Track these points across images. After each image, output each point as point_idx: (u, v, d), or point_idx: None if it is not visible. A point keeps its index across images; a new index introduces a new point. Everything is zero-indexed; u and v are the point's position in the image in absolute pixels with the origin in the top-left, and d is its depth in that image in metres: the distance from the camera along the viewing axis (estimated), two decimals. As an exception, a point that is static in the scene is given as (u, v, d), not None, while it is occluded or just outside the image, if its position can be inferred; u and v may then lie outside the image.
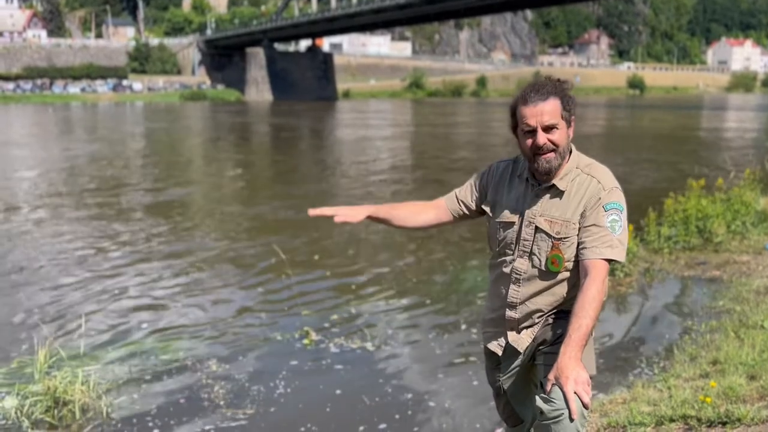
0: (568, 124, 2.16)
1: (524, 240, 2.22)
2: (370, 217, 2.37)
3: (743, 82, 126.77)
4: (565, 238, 2.15)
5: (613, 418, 3.35)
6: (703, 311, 5.75)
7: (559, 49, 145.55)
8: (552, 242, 2.16)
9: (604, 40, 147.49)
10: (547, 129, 2.12)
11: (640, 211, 7.95)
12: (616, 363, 4.97)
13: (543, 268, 2.19)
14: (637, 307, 6.31)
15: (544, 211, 2.18)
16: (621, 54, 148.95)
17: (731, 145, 26.62)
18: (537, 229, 2.19)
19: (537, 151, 2.12)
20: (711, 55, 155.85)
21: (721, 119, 47.44)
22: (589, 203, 2.13)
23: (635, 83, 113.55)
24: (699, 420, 3.09)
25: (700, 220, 7.91)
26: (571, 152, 2.21)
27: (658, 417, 3.20)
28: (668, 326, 5.66)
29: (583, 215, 2.13)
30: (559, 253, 2.15)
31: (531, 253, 2.21)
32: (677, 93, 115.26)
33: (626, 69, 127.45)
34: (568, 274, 2.18)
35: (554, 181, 2.18)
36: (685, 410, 3.19)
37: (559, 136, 2.13)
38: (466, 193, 2.39)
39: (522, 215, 2.22)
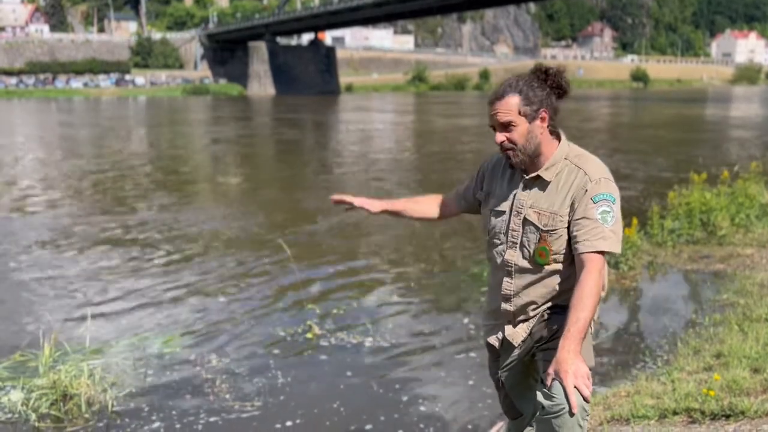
0: (533, 118, 2.13)
1: (513, 230, 2.22)
2: (385, 211, 2.53)
3: (748, 74, 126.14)
4: (552, 230, 2.14)
5: (616, 411, 3.35)
6: (706, 304, 5.75)
7: (563, 42, 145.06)
8: (539, 234, 2.16)
9: (608, 33, 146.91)
10: (503, 127, 2.14)
11: (644, 204, 7.93)
12: (619, 356, 4.97)
13: (531, 260, 2.20)
14: (640, 300, 6.31)
15: (533, 202, 2.18)
16: (624, 46, 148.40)
17: (736, 138, 26.53)
18: (525, 221, 2.19)
19: (499, 147, 2.19)
20: (715, 47, 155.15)
21: (726, 112, 47.25)
22: (577, 196, 2.11)
23: (639, 76, 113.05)
24: (702, 413, 3.09)
25: (703, 213, 7.90)
26: (560, 142, 2.20)
27: (661, 410, 3.21)
28: (672, 320, 5.66)
29: (572, 208, 2.12)
30: (546, 245, 2.15)
31: (521, 245, 2.21)
32: (681, 86, 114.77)
33: (630, 62, 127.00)
34: (558, 266, 2.18)
35: (539, 172, 2.17)
36: (689, 403, 3.18)
37: (518, 134, 2.13)
38: (468, 188, 2.46)
39: (512, 205, 2.23)
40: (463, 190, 2.47)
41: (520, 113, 2.12)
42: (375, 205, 2.49)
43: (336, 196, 2.48)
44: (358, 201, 2.46)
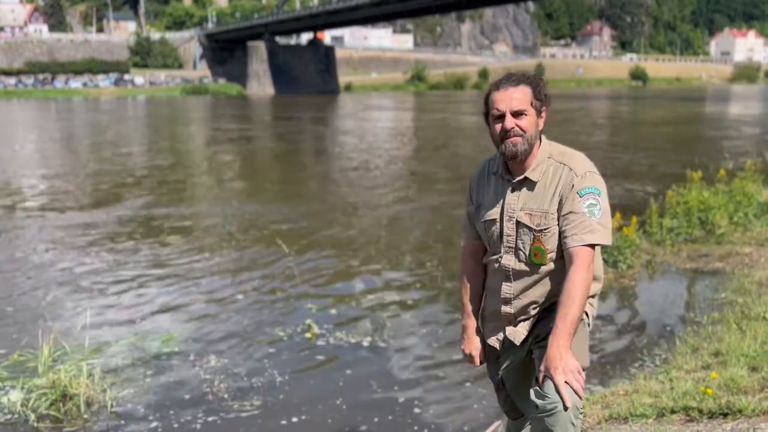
0: (538, 113, 2.18)
1: (507, 235, 2.23)
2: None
3: (746, 72, 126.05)
4: (545, 229, 2.16)
5: (614, 409, 3.35)
6: (705, 303, 5.76)
7: (562, 41, 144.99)
8: (533, 235, 2.18)
9: (607, 32, 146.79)
10: (516, 114, 2.14)
11: (642, 203, 7.94)
12: (617, 355, 4.98)
13: (528, 261, 2.21)
14: (639, 299, 6.32)
15: (524, 204, 2.20)
16: (623, 45, 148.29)
17: (735, 137, 26.52)
18: (519, 224, 2.20)
19: (504, 135, 2.15)
20: (714, 46, 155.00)
21: (725, 110, 47.24)
22: (565, 191, 2.14)
23: (638, 75, 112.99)
24: (700, 411, 3.10)
25: (702, 212, 7.91)
26: (541, 142, 2.23)
27: (659, 408, 3.21)
28: (670, 318, 5.67)
29: (560, 204, 2.14)
30: (541, 245, 2.17)
31: (517, 249, 2.22)
32: (680, 84, 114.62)
33: (629, 60, 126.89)
34: (555, 265, 2.19)
35: (526, 174, 2.20)
36: (687, 402, 3.19)
37: (527, 122, 2.15)
38: (470, 213, 2.41)
39: (502, 211, 2.24)
40: (468, 219, 2.42)
41: (531, 104, 2.16)
42: (475, 339, 2.42)
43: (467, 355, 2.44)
44: (477, 354, 2.41)
